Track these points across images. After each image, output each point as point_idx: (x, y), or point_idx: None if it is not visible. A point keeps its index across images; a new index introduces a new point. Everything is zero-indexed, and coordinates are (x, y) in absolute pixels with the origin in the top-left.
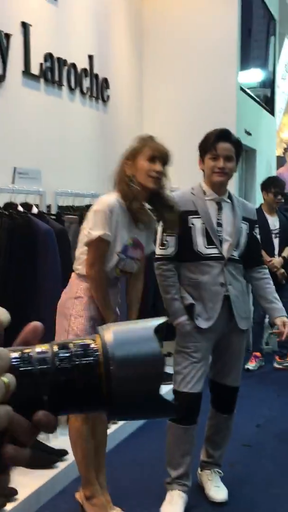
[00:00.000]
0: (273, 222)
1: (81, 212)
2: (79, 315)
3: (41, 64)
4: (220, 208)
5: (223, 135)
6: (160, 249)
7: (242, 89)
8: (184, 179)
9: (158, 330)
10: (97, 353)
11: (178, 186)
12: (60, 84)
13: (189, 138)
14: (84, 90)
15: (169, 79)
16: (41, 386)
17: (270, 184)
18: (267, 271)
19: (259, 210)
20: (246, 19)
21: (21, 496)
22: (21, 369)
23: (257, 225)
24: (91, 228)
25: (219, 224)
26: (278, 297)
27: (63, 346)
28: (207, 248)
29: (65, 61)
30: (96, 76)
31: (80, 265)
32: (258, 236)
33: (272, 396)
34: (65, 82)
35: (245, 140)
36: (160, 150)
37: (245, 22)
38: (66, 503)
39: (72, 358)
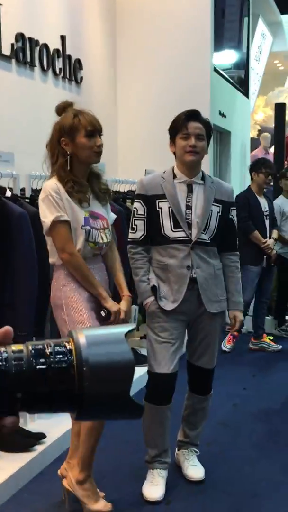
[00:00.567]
0: (263, 203)
1: None
2: (71, 301)
3: (12, 44)
4: (190, 191)
5: (193, 114)
6: (130, 232)
7: (216, 70)
8: (158, 159)
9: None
10: (71, 355)
11: (152, 167)
12: (32, 65)
13: (163, 120)
14: (57, 71)
15: (143, 60)
16: (16, 385)
17: (261, 165)
18: (237, 258)
19: (250, 192)
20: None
21: None
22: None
23: (233, 208)
24: (43, 217)
25: (188, 207)
26: (239, 289)
27: (38, 347)
28: (174, 231)
29: (37, 41)
30: (69, 57)
31: (53, 257)
32: (235, 220)
33: (247, 376)
34: (37, 63)
35: (220, 122)
36: (95, 122)
37: (218, 2)
38: (44, 485)
39: (47, 359)
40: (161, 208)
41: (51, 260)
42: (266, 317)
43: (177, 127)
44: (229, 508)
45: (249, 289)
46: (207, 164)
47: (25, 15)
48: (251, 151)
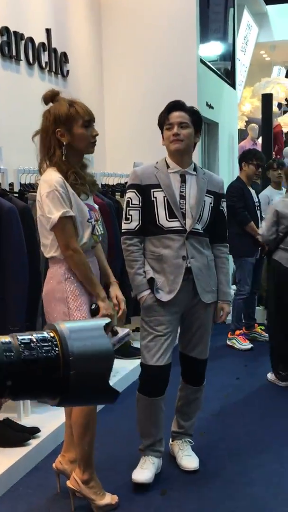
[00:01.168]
0: (254, 194)
1: None
2: (76, 294)
3: None
4: (183, 181)
5: (175, 104)
6: (125, 223)
7: (202, 62)
8: (146, 152)
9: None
10: (57, 347)
11: (140, 160)
12: (18, 59)
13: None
14: (43, 64)
15: (129, 52)
16: (6, 373)
17: (252, 156)
18: (227, 250)
19: (241, 183)
20: None
21: None
22: None
23: (224, 199)
24: (49, 213)
25: (182, 197)
26: (228, 280)
27: (25, 339)
28: (168, 221)
29: (22, 35)
30: (55, 50)
31: (55, 252)
32: (225, 211)
33: (240, 366)
34: (23, 57)
35: (207, 113)
36: (90, 112)
37: None
38: (39, 480)
39: (35, 350)
40: (156, 197)
41: (50, 254)
42: (257, 307)
43: (162, 120)
44: (224, 496)
45: (248, 281)
46: (195, 155)
47: (10, 8)
48: (239, 142)
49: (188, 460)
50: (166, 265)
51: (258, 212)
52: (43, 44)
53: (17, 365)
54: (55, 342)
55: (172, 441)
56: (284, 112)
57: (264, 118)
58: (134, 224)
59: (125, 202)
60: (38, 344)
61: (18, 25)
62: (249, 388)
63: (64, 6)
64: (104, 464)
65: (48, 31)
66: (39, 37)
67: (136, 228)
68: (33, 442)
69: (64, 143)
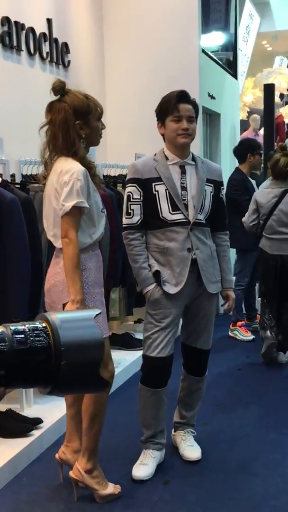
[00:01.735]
0: (254, 186)
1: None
2: (89, 285)
3: None
4: (183, 172)
5: (184, 95)
6: (126, 218)
7: (204, 52)
8: (147, 143)
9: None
10: (48, 336)
11: (141, 151)
12: (19, 49)
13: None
14: (44, 55)
15: (131, 42)
16: (0, 363)
17: (257, 147)
18: (227, 237)
19: (242, 175)
20: None
21: None
22: None
23: (223, 187)
24: (64, 200)
25: (183, 188)
26: (231, 268)
27: (17, 329)
28: (172, 214)
29: (23, 25)
30: (56, 40)
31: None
32: (224, 199)
33: (241, 357)
34: (24, 47)
35: (209, 104)
36: (101, 106)
37: None
38: (42, 470)
39: (27, 340)
40: (157, 191)
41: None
42: (258, 299)
43: (168, 109)
44: (226, 486)
45: (248, 273)
46: (197, 147)
47: None
48: (241, 133)
49: (191, 450)
50: (172, 258)
51: None
52: (44, 34)
53: (10, 355)
54: (47, 332)
55: (175, 431)
56: (286, 103)
57: (266, 109)
58: (136, 219)
59: (125, 196)
60: (30, 334)
61: (19, 15)
62: (251, 379)
63: None
64: (105, 455)
65: (49, 21)
66: (40, 27)
67: (138, 223)
68: (36, 433)
69: (83, 135)
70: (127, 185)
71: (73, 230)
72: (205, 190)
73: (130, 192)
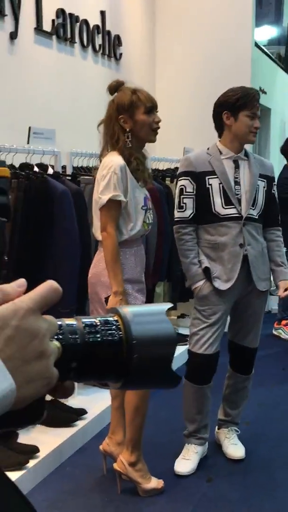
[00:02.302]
0: None
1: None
2: (127, 280)
3: (53, 20)
4: (237, 167)
5: (259, 94)
6: (178, 211)
7: (257, 46)
8: (196, 137)
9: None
10: (120, 330)
11: (191, 145)
12: (72, 41)
13: (202, 96)
14: (97, 47)
15: (182, 36)
16: (72, 356)
17: None
18: (280, 233)
19: None
20: None
21: (42, 453)
22: (58, 339)
23: (275, 183)
24: (101, 193)
25: (237, 183)
26: (285, 261)
27: (89, 322)
28: (225, 208)
29: (77, 17)
30: (109, 33)
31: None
32: (277, 195)
33: (286, 356)
34: (77, 39)
35: (260, 99)
36: (153, 99)
37: None
38: (86, 460)
39: (99, 333)
40: (211, 184)
41: (100, 236)
42: None
43: (247, 104)
44: (270, 485)
45: None
46: None
47: None
48: None
49: (234, 448)
50: (224, 253)
51: None
52: (97, 26)
53: (81, 347)
54: (118, 326)
55: (218, 429)
56: None
57: None
58: (188, 213)
59: (177, 190)
60: (102, 327)
61: (74, 7)
62: None
63: None
64: (148, 449)
65: (102, 13)
66: (94, 20)
67: (191, 217)
68: (80, 423)
69: (127, 129)
70: (179, 179)
71: (111, 223)
72: (258, 185)
73: (183, 185)
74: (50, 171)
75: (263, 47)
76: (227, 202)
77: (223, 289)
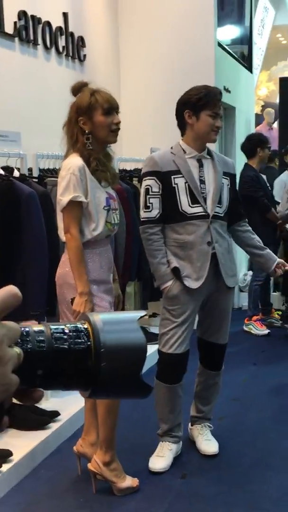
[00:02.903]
0: (265, 180)
1: None
2: (93, 280)
3: (15, 22)
4: (201, 165)
5: (220, 93)
6: (145, 212)
7: (220, 45)
8: (162, 137)
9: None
10: (89, 338)
11: (157, 145)
12: (35, 43)
13: (167, 96)
14: (60, 49)
15: (146, 36)
16: (38, 363)
17: (266, 141)
18: (247, 224)
19: (254, 170)
20: None
21: (16, 457)
22: (23, 345)
23: (236, 180)
24: (61, 195)
25: (202, 182)
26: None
27: (57, 329)
28: (191, 207)
29: (39, 19)
30: (72, 34)
31: None
32: (237, 189)
33: (257, 352)
34: (40, 41)
35: (224, 97)
36: (112, 100)
37: None
38: (60, 462)
39: (67, 341)
40: (177, 184)
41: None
42: (274, 293)
43: (208, 103)
44: (244, 480)
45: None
46: None
47: None
48: (255, 126)
49: (208, 444)
50: (192, 252)
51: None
52: (60, 28)
53: (48, 354)
54: (87, 333)
55: (192, 425)
56: None
57: (281, 102)
58: (155, 212)
59: (143, 190)
60: (70, 335)
61: (36, 9)
62: (266, 373)
63: None
64: (122, 448)
65: (65, 14)
66: (56, 21)
67: (157, 216)
68: (53, 426)
69: (87, 131)
70: (144, 178)
71: (74, 225)
72: (223, 183)
73: (148, 185)
74: (16, 173)
75: (226, 47)
76: (194, 200)
77: (194, 287)
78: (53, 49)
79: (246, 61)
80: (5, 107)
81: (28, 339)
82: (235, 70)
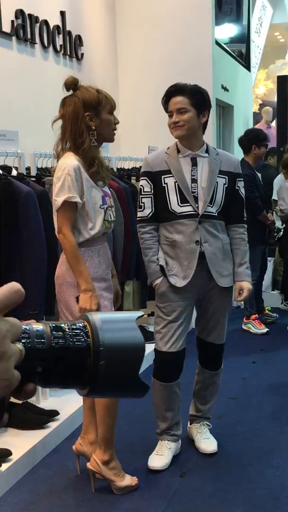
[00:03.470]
0: (260, 179)
1: None
2: (93, 278)
3: (12, 21)
4: (194, 164)
5: (173, 89)
6: (139, 211)
7: (218, 44)
8: (160, 136)
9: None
10: (88, 337)
11: (155, 144)
12: (32, 42)
13: None
14: (58, 48)
15: (144, 34)
16: (37, 360)
17: (263, 139)
18: (244, 230)
19: (250, 169)
20: None
21: (15, 456)
22: (23, 341)
23: (240, 179)
24: (56, 195)
25: (194, 181)
26: (247, 260)
27: (57, 327)
28: (181, 206)
29: (36, 18)
30: (69, 33)
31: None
32: (242, 191)
33: (256, 350)
34: (37, 40)
35: (222, 96)
36: (113, 101)
37: None
38: (59, 461)
39: (66, 339)
40: (167, 183)
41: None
42: (272, 292)
43: (164, 107)
44: (242, 479)
45: (257, 267)
46: (210, 138)
47: None
48: (254, 125)
49: (207, 443)
50: (180, 251)
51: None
52: (57, 27)
53: (47, 352)
54: (86, 332)
55: (190, 424)
56: None
57: (279, 100)
58: (147, 212)
59: (139, 190)
60: (69, 333)
61: (33, 7)
62: (266, 371)
63: None
64: (121, 447)
65: (62, 13)
66: (54, 20)
67: (150, 216)
68: (52, 425)
69: (93, 127)
70: (139, 179)
71: (67, 225)
72: (217, 182)
73: (141, 185)
74: (14, 172)
75: (224, 45)
76: (183, 200)
77: (180, 286)
78: (50, 48)
79: (244, 59)
80: (3, 106)
81: (28, 336)
82: (233, 68)
